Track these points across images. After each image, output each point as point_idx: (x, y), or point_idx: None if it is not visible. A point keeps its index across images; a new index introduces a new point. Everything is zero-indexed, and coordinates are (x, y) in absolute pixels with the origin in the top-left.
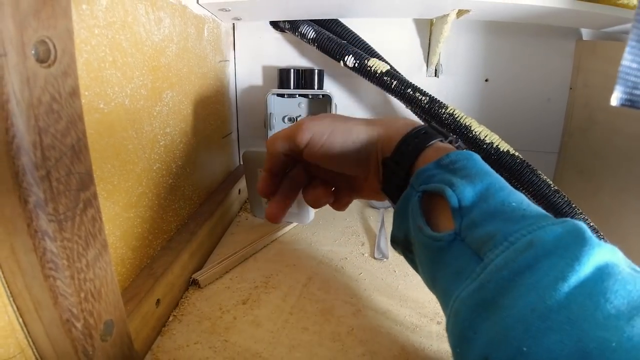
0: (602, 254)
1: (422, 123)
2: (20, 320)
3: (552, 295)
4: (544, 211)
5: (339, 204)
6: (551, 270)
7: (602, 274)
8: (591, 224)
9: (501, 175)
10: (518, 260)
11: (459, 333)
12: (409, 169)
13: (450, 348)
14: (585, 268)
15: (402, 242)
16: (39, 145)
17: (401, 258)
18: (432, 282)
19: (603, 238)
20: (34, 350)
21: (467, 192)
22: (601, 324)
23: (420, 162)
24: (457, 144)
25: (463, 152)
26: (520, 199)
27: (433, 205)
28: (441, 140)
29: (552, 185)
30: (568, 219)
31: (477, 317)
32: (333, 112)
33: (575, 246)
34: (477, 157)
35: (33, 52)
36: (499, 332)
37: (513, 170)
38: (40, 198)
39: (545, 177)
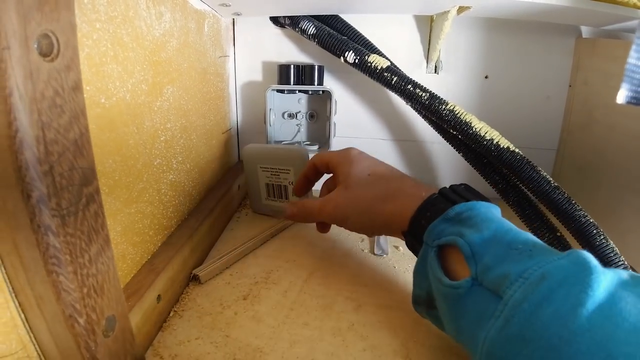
0: (609, 279)
1: (434, 190)
2: (22, 316)
3: (574, 321)
4: (549, 247)
5: None
6: (567, 298)
7: (615, 297)
8: (591, 221)
9: (501, 171)
10: (535, 292)
11: None
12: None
13: None
14: (598, 293)
15: (424, 301)
16: (42, 139)
17: (400, 254)
18: (458, 332)
19: (604, 235)
20: (36, 346)
21: (477, 240)
22: (624, 341)
23: None
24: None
25: (466, 204)
26: (526, 240)
27: (448, 257)
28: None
29: (552, 182)
30: (573, 250)
31: (509, 353)
32: (333, 108)
33: (584, 274)
34: (479, 205)
35: (36, 45)
36: None
37: (513, 166)
38: (43, 193)
39: (545, 173)
